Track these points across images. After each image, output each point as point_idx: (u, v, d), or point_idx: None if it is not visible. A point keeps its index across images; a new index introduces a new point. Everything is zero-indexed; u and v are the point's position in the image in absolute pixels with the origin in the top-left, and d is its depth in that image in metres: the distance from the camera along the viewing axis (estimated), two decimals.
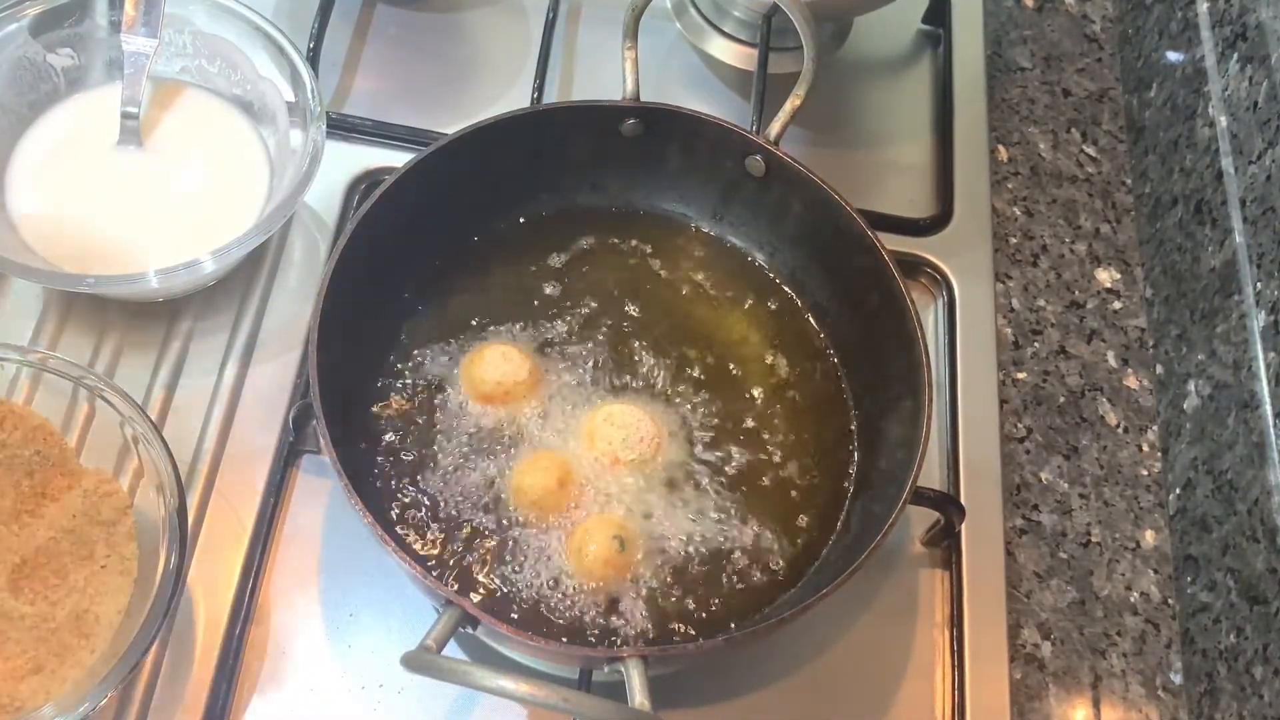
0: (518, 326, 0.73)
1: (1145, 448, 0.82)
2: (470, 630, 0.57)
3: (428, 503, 0.66)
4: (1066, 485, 0.80)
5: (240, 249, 0.71)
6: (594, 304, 0.75)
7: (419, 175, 0.69)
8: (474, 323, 0.73)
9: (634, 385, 0.72)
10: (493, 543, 0.65)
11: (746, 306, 0.76)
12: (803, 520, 0.69)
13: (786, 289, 0.77)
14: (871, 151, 0.91)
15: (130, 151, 0.77)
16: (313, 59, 0.84)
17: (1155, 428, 0.83)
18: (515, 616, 0.63)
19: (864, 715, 0.69)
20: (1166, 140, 0.89)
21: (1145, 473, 0.81)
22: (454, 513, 0.66)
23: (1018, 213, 0.91)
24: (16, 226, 0.73)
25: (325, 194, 0.81)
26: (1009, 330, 0.85)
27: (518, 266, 0.75)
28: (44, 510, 0.64)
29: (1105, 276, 0.89)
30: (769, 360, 0.74)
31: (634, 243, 0.78)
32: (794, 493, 0.69)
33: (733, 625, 0.65)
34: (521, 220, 0.77)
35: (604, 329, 0.74)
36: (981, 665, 0.70)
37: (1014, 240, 0.90)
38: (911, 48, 0.96)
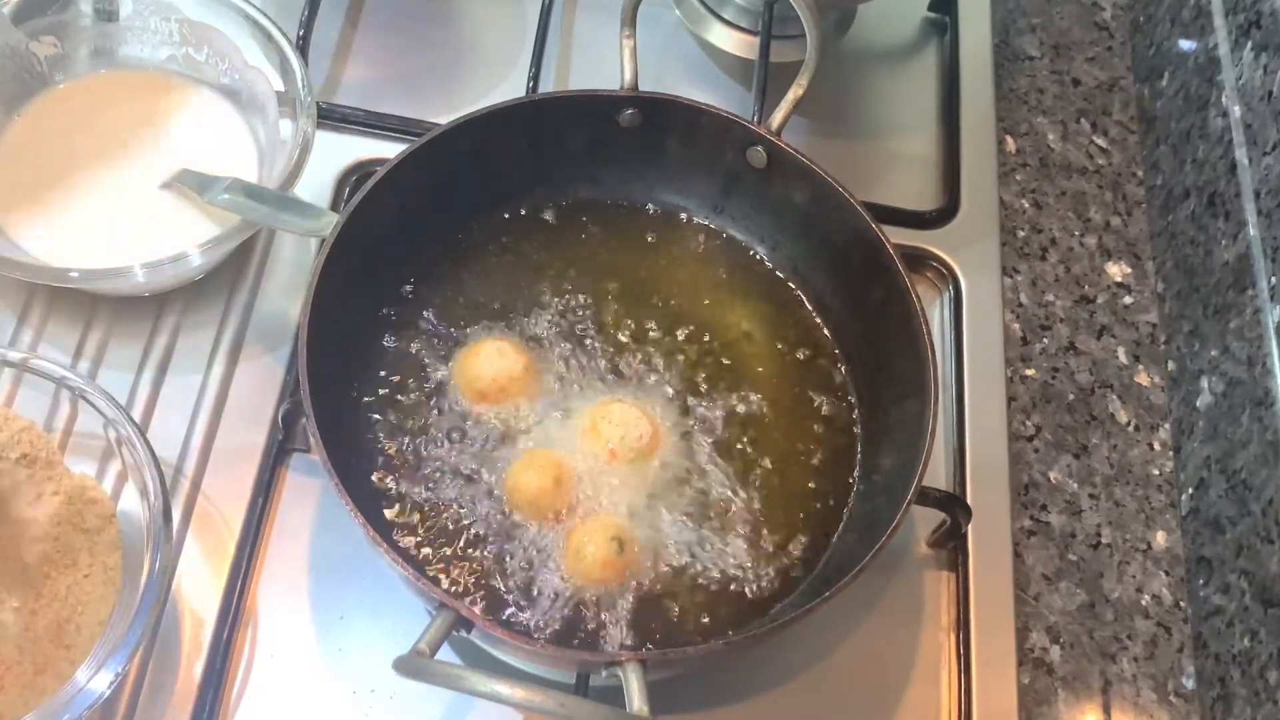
0: (513, 322, 0.72)
1: (1157, 446, 0.81)
2: (464, 634, 0.56)
3: (421, 502, 0.65)
4: (1076, 485, 0.78)
5: (228, 242, 0.70)
6: (591, 299, 0.73)
7: (411, 167, 0.68)
8: (469, 318, 0.72)
9: (632, 382, 0.71)
10: (487, 543, 0.64)
11: (747, 301, 0.75)
12: (805, 521, 0.68)
13: (789, 283, 0.76)
14: (876, 142, 0.90)
15: (117, 142, 0.76)
16: (302, 47, 0.83)
17: (1167, 426, 0.82)
18: (510, 619, 0.62)
19: None
20: (1178, 131, 0.88)
21: (1157, 472, 0.80)
22: (448, 513, 0.65)
23: (1026, 205, 0.90)
24: None
25: (315, 186, 0.80)
26: (1017, 325, 0.84)
27: (513, 260, 0.74)
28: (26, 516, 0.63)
29: (1116, 270, 0.88)
30: (770, 356, 0.73)
31: (632, 236, 0.76)
32: (796, 493, 0.68)
33: (733, 629, 0.64)
34: (517, 213, 0.76)
35: (602, 325, 0.73)
36: (988, 670, 0.69)
37: (1022, 233, 0.88)
38: (917, 36, 0.95)
